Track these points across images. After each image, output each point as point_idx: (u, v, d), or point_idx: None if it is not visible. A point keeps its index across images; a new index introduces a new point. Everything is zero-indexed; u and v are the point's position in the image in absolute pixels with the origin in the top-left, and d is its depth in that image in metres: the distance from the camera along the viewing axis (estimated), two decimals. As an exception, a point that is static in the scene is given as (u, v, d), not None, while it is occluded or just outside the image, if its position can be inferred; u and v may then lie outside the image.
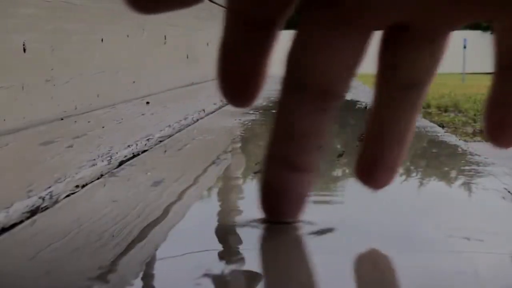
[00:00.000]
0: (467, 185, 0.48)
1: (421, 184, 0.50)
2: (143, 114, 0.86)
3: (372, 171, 0.31)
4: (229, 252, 0.30)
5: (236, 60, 0.29)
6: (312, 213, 0.33)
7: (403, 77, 0.29)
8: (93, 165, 0.48)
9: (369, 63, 0.30)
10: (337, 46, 0.27)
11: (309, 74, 0.28)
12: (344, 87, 0.29)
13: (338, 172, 0.55)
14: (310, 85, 0.28)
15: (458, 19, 0.27)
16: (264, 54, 0.29)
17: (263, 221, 0.33)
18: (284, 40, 0.28)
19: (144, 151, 0.59)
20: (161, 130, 0.69)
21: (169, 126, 0.74)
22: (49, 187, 0.40)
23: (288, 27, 0.29)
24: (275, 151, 0.31)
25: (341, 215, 0.37)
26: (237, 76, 0.29)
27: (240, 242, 0.32)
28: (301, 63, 0.28)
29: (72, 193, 0.42)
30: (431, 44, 0.28)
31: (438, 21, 0.27)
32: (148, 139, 0.63)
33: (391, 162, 0.31)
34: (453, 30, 0.28)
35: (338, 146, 0.73)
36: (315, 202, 0.39)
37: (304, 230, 0.32)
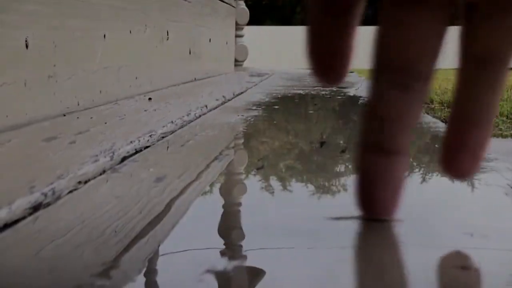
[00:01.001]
0: (470, 181, 0.48)
1: (424, 179, 0.50)
2: (145, 110, 0.86)
3: (455, 158, 0.31)
4: (232, 249, 0.30)
5: (322, 43, 0.30)
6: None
7: (480, 51, 0.29)
8: (96, 161, 0.48)
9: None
10: (416, 25, 0.28)
11: (391, 53, 0.29)
12: (428, 66, 0.29)
13: (341, 168, 0.55)
14: (393, 64, 0.29)
15: None
16: (348, 35, 0.30)
17: (360, 218, 0.33)
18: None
19: (147, 147, 0.59)
20: (163, 126, 0.69)
21: (172, 122, 0.73)
22: (52, 183, 0.40)
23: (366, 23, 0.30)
24: (367, 137, 0.31)
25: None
26: (324, 57, 0.30)
27: (243, 238, 0.32)
28: (384, 44, 0.29)
29: (75, 189, 0.42)
30: (503, 20, 0.28)
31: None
32: (150, 135, 0.63)
33: (474, 148, 0.30)
34: None
35: (341, 142, 0.73)
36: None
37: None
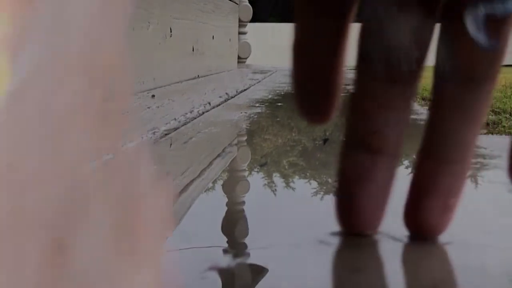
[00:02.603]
0: (473, 178, 0.48)
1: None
2: (148, 107, 0.86)
3: (421, 205, 0.26)
4: (235, 246, 0.30)
5: (310, 66, 0.27)
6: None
7: (463, 67, 0.25)
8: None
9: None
10: (401, 16, 0.25)
11: (376, 44, 0.26)
12: (415, 58, 0.26)
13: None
14: (374, 55, 0.26)
15: None
16: (337, 54, 0.27)
17: (338, 234, 0.29)
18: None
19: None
20: (166, 123, 0.69)
21: (175, 119, 0.73)
22: (55, 180, 0.40)
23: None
24: (351, 135, 0.27)
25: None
26: (312, 85, 0.27)
27: (246, 235, 0.32)
28: (367, 34, 0.26)
29: (78, 187, 0.42)
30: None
31: None
32: (153, 132, 0.63)
33: (445, 192, 0.26)
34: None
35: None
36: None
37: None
